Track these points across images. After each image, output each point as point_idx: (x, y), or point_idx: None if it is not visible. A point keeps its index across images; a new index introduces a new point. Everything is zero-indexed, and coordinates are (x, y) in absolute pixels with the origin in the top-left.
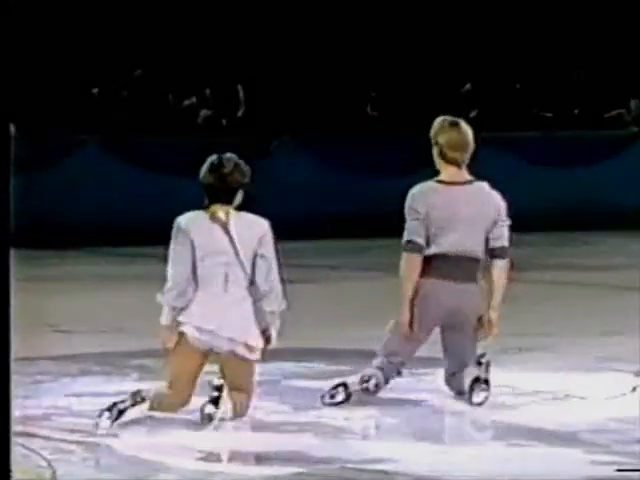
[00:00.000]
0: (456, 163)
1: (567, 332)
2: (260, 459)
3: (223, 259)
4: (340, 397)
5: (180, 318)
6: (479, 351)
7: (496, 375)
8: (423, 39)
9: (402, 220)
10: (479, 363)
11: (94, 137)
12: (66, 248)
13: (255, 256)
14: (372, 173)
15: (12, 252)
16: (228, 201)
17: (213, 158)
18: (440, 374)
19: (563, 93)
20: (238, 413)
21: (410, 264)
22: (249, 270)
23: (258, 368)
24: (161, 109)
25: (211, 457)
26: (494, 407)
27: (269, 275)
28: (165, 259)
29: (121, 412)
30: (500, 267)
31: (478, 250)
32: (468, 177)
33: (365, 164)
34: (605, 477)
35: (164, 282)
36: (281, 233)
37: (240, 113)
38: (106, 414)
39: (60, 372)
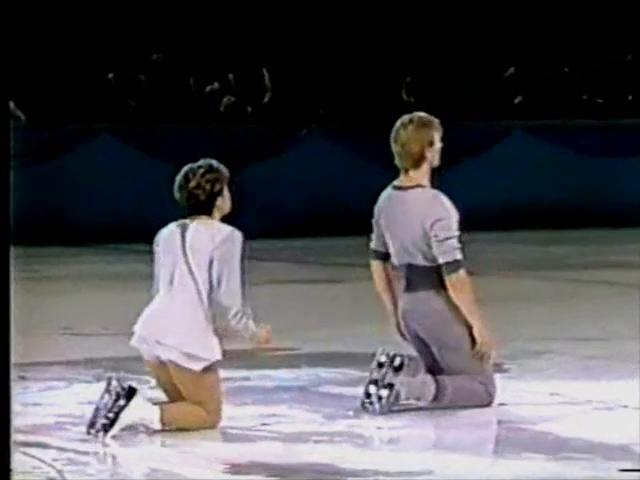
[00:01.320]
0: (401, 167)
1: (617, 336)
2: (288, 471)
3: (170, 260)
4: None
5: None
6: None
7: (541, 383)
8: (463, 18)
9: None
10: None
11: (108, 125)
12: (79, 245)
13: (210, 262)
14: None
15: (24, 250)
16: (207, 212)
17: (180, 175)
18: None
19: (615, 78)
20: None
21: (373, 271)
22: (198, 276)
23: (287, 374)
24: (181, 95)
25: (235, 469)
26: (539, 417)
27: (220, 286)
28: None
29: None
30: (452, 283)
31: (417, 257)
32: (415, 182)
33: None
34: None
35: None
36: (307, 230)
37: (266, 100)
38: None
39: (74, 378)
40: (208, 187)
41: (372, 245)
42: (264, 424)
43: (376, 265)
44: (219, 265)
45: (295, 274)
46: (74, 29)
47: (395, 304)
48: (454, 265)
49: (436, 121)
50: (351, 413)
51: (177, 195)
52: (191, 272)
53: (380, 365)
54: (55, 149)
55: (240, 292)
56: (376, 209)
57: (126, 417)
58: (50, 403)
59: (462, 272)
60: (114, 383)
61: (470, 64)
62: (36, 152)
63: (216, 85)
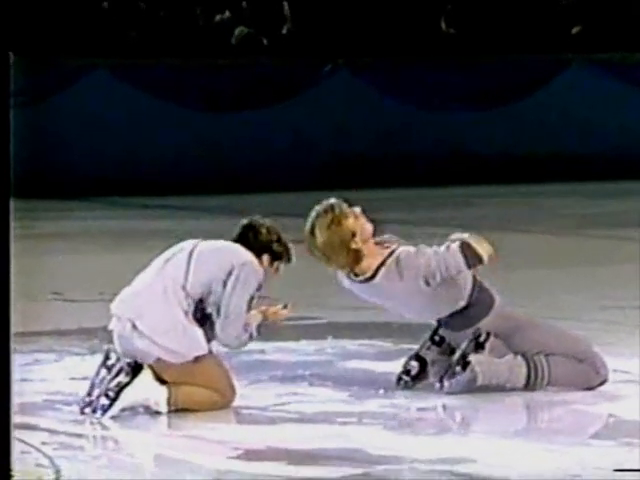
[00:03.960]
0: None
1: None
2: (311, 458)
3: (178, 247)
4: (415, 370)
5: None
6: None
7: (611, 359)
8: None
9: (493, 164)
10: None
11: (105, 61)
12: (73, 197)
13: (221, 280)
14: (448, 105)
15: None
16: (249, 247)
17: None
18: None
19: None
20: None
21: None
22: (192, 276)
23: (308, 346)
24: (187, 26)
25: (250, 455)
26: (605, 397)
27: (219, 313)
28: (194, 210)
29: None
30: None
31: (441, 311)
32: (374, 268)
33: (439, 94)
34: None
35: (189, 240)
36: (333, 180)
37: (284, 31)
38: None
39: (65, 350)
40: (274, 237)
41: None
42: (282, 404)
43: None
44: (230, 289)
45: None
46: None
47: None
48: (469, 257)
49: (339, 208)
50: (382, 391)
51: (243, 222)
52: (188, 266)
53: (436, 343)
54: (43, 89)
55: (237, 331)
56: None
57: (128, 396)
58: (38, 379)
59: (467, 238)
60: (113, 356)
61: None
62: (21, 92)
63: (227, 14)
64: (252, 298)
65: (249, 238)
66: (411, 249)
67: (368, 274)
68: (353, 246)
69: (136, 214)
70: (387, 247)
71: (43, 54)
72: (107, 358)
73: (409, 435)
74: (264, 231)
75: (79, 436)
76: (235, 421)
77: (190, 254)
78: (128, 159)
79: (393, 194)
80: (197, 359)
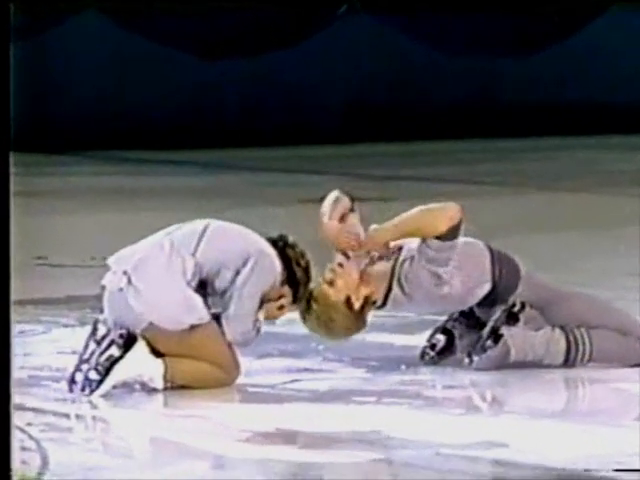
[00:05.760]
0: None
1: None
2: (325, 441)
3: (191, 223)
4: (441, 344)
5: None
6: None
7: None
8: None
9: (521, 114)
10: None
11: (96, 2)
12: (59, 151)
13: (220, 267)
14: (476, 51)
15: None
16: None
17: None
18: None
19: None
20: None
21: None
22: (201, 253)
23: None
24: None
25: (256, 438)
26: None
27: (228, 306)
28: (192, 165)
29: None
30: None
31: (470, 301)
32: (379, 301)
33: (466, 39)
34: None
35: (190, 199)
36: (344, 134)
37: None
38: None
39: (52, 321)
40: (302, 262)
41: None
42: (293, 381)
43: None
44: (244, 279)
45: (331, 190)
46: None
47: None
48: (446, 237)
49: (316, 291)
50: (404, 367)
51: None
52: (201, 238)
53: (465, 314)
54: (26, 30)
55: (246, 327)
56: None
57: (120, 372)
58: (23, 353)
59: (428, 229)
60: (102, 328)
61: None
62: None
63: None
64: (265, 295)
65: (277, 246)
66: (406, 264)
67: (379, 303)
68: (356, 306)
69: (129, 170)
70: (387, 260)
71: None
72: (95, 329)
73: (434, 416)
74: (297, 249)
75: (68, 416)
76: (240, 400)
77: (204, 229)
78: (119, 110)
79: (413, 147)
80: (195, 329)
